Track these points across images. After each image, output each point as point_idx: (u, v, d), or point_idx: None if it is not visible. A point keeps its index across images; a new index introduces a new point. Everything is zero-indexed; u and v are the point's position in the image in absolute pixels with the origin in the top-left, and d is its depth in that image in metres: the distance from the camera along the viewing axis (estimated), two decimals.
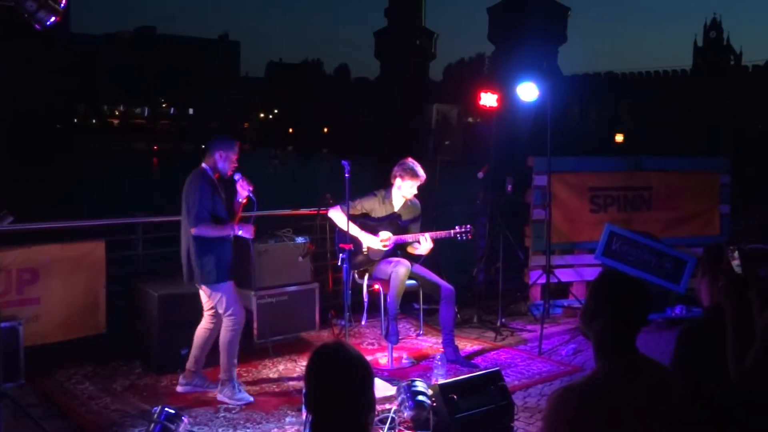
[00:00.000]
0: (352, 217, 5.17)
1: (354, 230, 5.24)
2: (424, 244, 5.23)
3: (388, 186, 5.45)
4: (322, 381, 1.85)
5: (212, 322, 4.59)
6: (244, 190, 4.49)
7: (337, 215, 5.37)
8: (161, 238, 5.83)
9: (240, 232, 4.41)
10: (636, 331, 2.05)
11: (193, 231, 4.32)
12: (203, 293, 4.54)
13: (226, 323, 4.48)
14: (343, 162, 4.61)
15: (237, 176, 4.49)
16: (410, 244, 5.40)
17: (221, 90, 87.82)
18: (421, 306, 5.78)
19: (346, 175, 4.66)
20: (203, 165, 4.45)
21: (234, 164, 4.49)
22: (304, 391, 1.90)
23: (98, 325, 5.35)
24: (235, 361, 4.52)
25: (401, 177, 5.33)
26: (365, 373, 1.87)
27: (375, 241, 5.31)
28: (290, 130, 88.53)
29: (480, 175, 6.53)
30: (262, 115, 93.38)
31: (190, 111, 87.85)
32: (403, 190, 5.36)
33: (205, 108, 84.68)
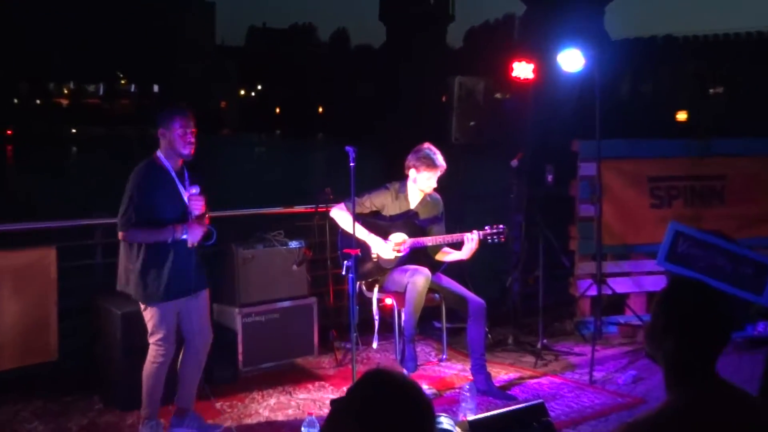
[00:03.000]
0: (358, 217, 5.17)
1: (361, 232, 5.24)
2: (469, 245, 5.22)
3: (402, 178, 5.45)
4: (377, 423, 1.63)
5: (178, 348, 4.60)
6: (195, 208, 4.38)
7: (340, 214, 5.37)
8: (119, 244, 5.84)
9: (184, 236, 4.31)
10: (717, 352, 2.05)
11: (120, 235, 4.32)
12: None
13: (150, 352, 4.46)
14: (348, 148, 4.62)
15: (194, 189, 4.37)
16: (439, 249, 5.39)
17: (192, 62, 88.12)
18: (444, 324, 5.78)
19: (351, 164, 4.66)
20: (156, 152, 4.43)
21: (187, 140, 4.36)
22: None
23: (48, 351, 5.36)
24: (157, 398, 4.50)
25: (417, 167, 5.34)
26: (428, 413, 1.67)
27: (387, 246, 5.32)
28: (277, 111, 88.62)
29: (514, 163, 6.52)
30: (242, 92, 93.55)
31: (155, 88, 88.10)
32: (420, 183, 5.36)
33: (173, 84, 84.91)
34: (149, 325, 4.46)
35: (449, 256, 5.45)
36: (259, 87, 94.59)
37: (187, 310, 4.50)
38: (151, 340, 4.47)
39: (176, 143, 4.36)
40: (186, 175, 4.45)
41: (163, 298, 4.37)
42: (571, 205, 6.86)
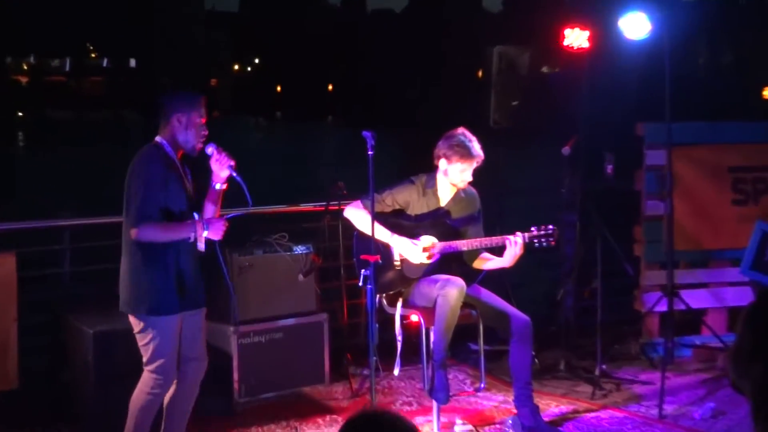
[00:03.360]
0: (378, 216, 5.18)
1: (382, 234, 5.25)
2: (511, 249, 5.22)
3: (431, 171, 5.47)
4: None
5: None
6: (223, 168, 4.49)
7: (357, 213, 5.39)
8: (98, 249, 5.91)
9: (205, 233, 4.37)
10: None
11: (133, 234, 4.33)
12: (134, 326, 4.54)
13: (145, 380, 4.46)
14: (365, 133, 4.63)
15: (210, 148, 4.51)
16: (476, 255, 5.41)
17: (177, 32, 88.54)
18: (482, 346, 5.76)
19: (369, 152, 4.68)
20: (157, 139, 4.49)
21: (202, 132, 4.50)
22: None
23: (7, 376, 5.40)
24: None
25: (448, 157, 5.34)
26: None
27: (416, 247, 5.31)
28: (278, 89, 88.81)
29: (565, 150, 6.52)
30: (236, 66, 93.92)
31: (132, 62, 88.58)
32: (452, 176, 5.37)
33: (154, 58, 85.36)
34: (148, 349, 4.41)
35: (488, 263, 5.45)
36: (257, 61, 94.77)
37: (189, 329, 4.53)
38: (150, 367, 4.43)
39: (192, 133, 4.45)
40: (187, 171, 4.53)
41: (174, 309, 4.40)
42: (636, 202, 6.83)
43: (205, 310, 4.64)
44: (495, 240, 5.32)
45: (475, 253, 5.46)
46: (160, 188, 4.36)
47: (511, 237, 5.22)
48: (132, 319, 4.46)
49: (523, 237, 5.22)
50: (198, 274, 4.55)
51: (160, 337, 4.40)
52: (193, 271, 4.50)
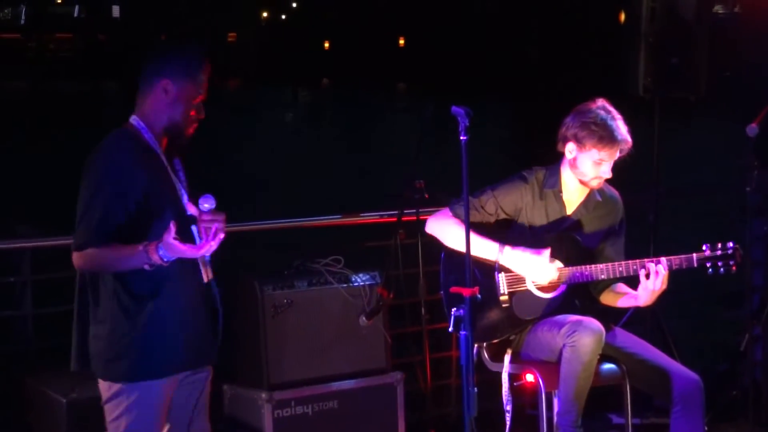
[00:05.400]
0: (475, 227, 5.21)
1: (483, 248, 5.29)
2: (648, 283, 5.22)
3: (553, 164, 5.49)
4: None
5: None
6: (207, 240, 4.26)
7: (445, 226, 5.43)
8: (66, 282, 5.93)
9: (160, 254, 4.18)
10: None
11: (74, 258, 4.29)
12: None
13: None
14: (456, 109, 4.62)
15: (207, 203, 4.27)
16: (606, 286, 5.39)
17: None
18: (629, 419, 5.75)
19: (462, 137, 4.65)
20: (132, 119, 4.43)
21: (199, 113, 4.44)
22: None
23: None
24: None
25: (580, 141, 5.35)
26: None
27: (542, 264, 5.30)
28: (326, 45, 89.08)
29: (752, 129, 6.47)
30: (264, 14, 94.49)
31: (115, 11, 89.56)
32: (584, 169, 5.37)
33: (148, 5, 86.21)
34: (118, 427, 4.39)
35: (623, 299, 5.44)
36: (294, 5, 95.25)
37: (184, 397, 4.55)
38: None
39: (180, 110, 4.38)
40: (177, 164, 4.50)
41: (160, 370, 4.39)
42: None
43: (210, 371, 4.64)
44: (624, 266, 5.28)
45: (604, 284, 5.44)
46: (125, 194, 4.26)
47: (649, 263, 5.19)
48: (101, 383, 4.44)
49: (667, 264, 5.18)
50: (203, 315, 4.49)
51: (136, 410, 4.39)
52: (193, 311, 4.45)
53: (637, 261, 5.29)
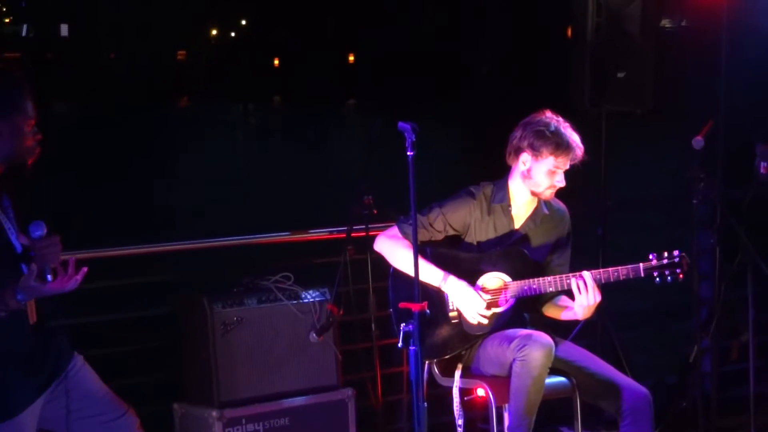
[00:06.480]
0: (424, 246, 5.25)
1: (429, 274, 5.30)
2: (580, 297, 5.25)
3: (500, 179, 5.51)
4: None
5: None
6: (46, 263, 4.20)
7: (393, 244, 5.44)
8: None
9: (18, 298, 4.16)
10: None
11: None
12: None
13: None
14: (403, 125, 4.63)
15: (40, 230, 4.20)
16: (549, 299, 5.40)
17: None
18: None
19: (409, 152, 4.67)
20: None
21: (29, 137, 4.35)
22: None
23: None
24: None
25: (536, 150, 5.39)
26: None
27: (474, 302, 5.34)
28: (275, 62, 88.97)
29: (697, 142, 6.50)
30: (214, 32, 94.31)
31: (63, 30, 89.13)
32: (538, 180, 5.41)
33: (96, 23, 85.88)
34: None
35: (565, 312, 5.48)
36: (243, 22, 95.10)
37: (51, 410, 4.50)
38: None
39: (20, 144, 4.30)
40: (5, 202, 4.37)
41: (11, 412, 4.32)
42: None
43: (81, 360, 4.60)
44: (557, 279, 5.32)
45: (546, 297, 5.47)
46: None
47: (575, 278, 5.23)
48: None
49: (595, 277, 5.22)
50: (36, 344, 4.41)
51: None
52: (28, 340, 4.37)
53: (558, 277, 5.34)
